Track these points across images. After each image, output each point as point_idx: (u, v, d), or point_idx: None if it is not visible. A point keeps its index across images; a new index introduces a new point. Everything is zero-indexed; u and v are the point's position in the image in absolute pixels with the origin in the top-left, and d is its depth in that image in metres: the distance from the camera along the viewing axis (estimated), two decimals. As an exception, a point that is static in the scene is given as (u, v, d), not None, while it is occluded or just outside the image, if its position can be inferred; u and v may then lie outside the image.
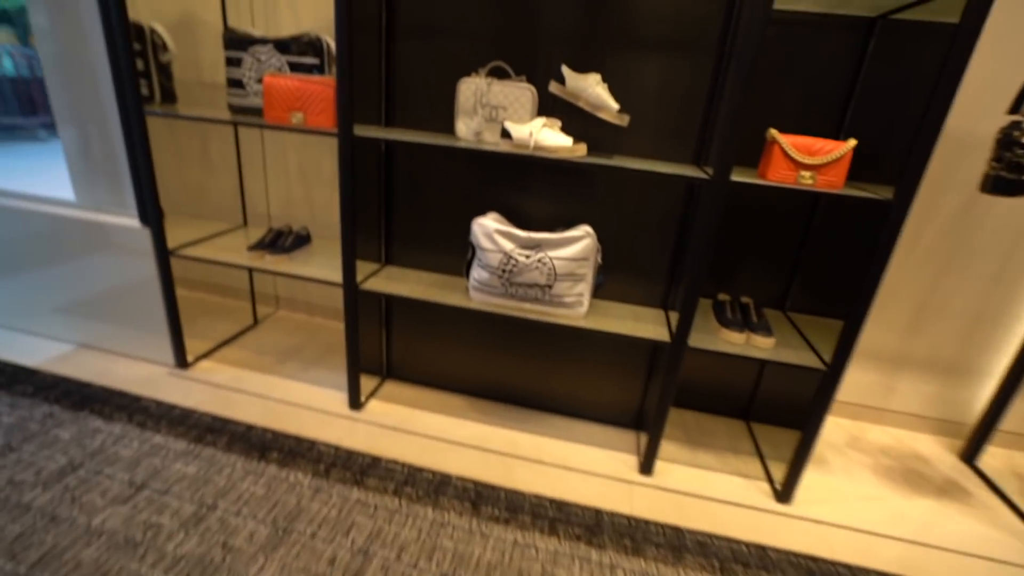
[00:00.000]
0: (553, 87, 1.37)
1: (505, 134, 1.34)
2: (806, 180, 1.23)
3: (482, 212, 1.60)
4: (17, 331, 2.08)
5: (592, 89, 1.32)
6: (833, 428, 1.91)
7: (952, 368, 1.81)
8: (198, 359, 2.01)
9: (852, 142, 1.20)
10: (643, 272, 1.61)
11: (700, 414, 1.91)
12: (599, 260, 1.48)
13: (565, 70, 1.35)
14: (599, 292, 1.64)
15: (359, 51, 1.56)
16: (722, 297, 1.59)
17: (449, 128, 1.53)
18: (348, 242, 1.54)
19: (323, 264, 1.75)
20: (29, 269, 1.96)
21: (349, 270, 1.58)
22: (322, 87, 1.45)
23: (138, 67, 1.73)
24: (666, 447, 1.71)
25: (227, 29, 1.65)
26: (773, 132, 1.23)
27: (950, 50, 1.05)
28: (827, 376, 1.33)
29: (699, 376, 1.85)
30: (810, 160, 1.21)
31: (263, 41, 1.59)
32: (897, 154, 1.45)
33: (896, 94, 1.41)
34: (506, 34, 1.46)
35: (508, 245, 1.43)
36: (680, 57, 1.39)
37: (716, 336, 1.45)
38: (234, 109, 1.71)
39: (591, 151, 1.43)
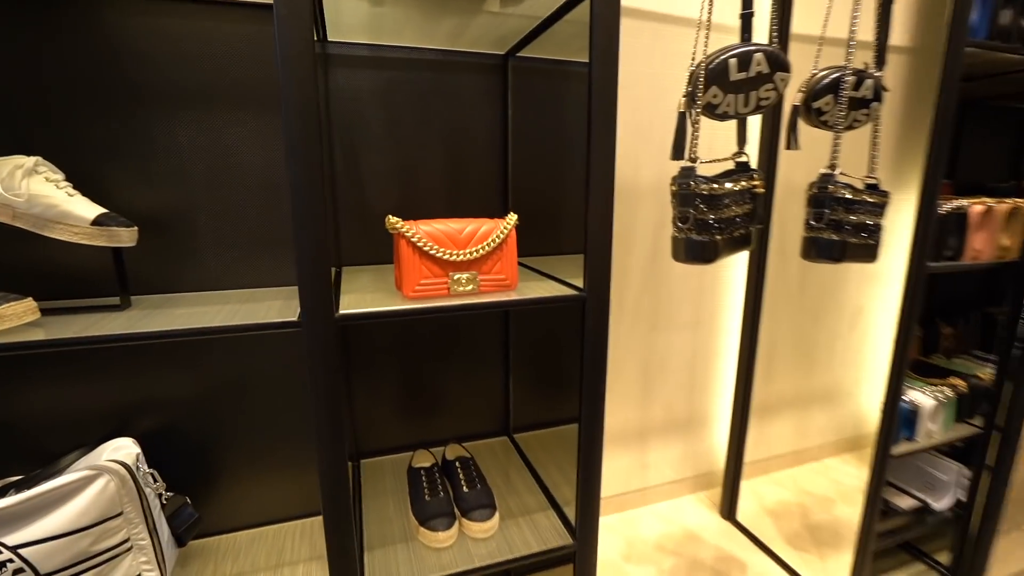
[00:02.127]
0: None
1: None
2: (464, 286, 0.78)
3: None
4: None
5: (14, 187, 0.63)
6: (605, 534, 1.56)
7: (688, 423, 1.66)
8: None
9: (512, 218, 0.80)
10: (284, 458, 0.97)
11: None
12: (164, 495, 0.77)
13: None
14: (196, 531, 0.91)
15: None
16: (419, 461, 1.05)
17: None
18: None
19: None
20: None
21: None
22: None
23: None
24: None
25: None
26: (392, 220, 0.75)
27: (590, 96, 0.73)
28: (578, 556, 0.89)
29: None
30: (460, 255, 0.76)
31: None
32: (570, 211, 1.17)
33: (547, 141, 1.12)
34: None
35: None
36: (238, 114, 0.83)
37: (416, 541, 0.89)
38: None
39: (95, 295, 0.74)
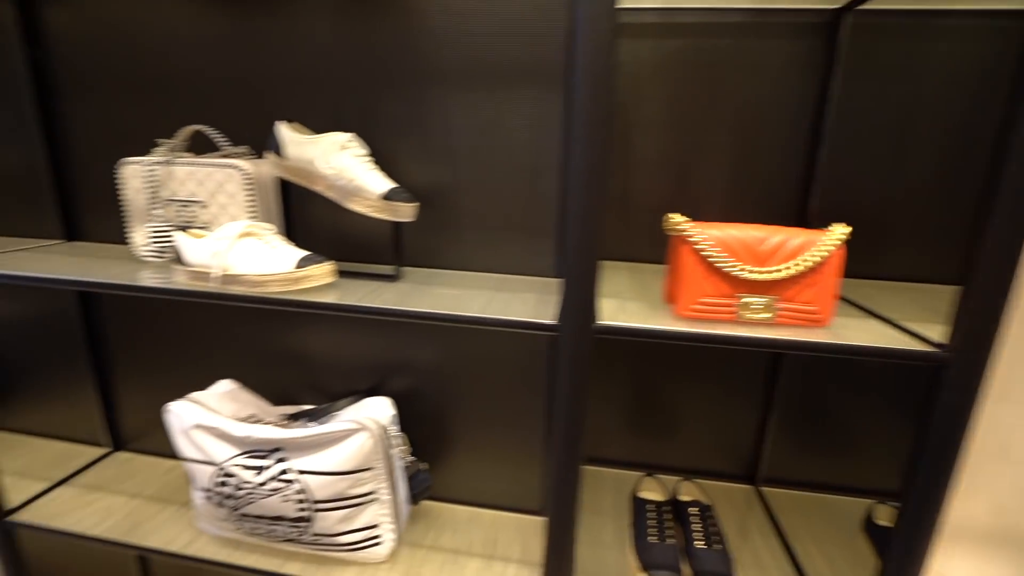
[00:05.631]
0: (268, 162, 0.75)
1: (178, 256, 0.70)
2: (756, 314, 0.60)
3: (233, 371, 0.94)
4: None
5: (329, 160, 0.69)
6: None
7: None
8: None
9: (840, 231, 0.58)
10: (509, 448, 0.95)
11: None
12: (407, 459, 0.81)
13: (282, 129, 0.73)
14: (426, 494, 0.96)
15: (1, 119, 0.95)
16: (646, 492, 0.92)
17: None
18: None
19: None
20: None
21: (-12, 492, 0.89)
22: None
23: None
24: None
25: None
26: (674, 219, 0.61)
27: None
28: None
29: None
30: (759, 274, 0.58)
31: None
32: (913, 222, 0.85)
33: (893, 126, 0.82)
34: (236, 74, 0.85)
35: (221, 451, 0.76)
36: (512, 93, 0.79)
37: (632, 587, 0.77)
38: None
39: (387, 261, 0.81)
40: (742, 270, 0.58)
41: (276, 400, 0.97)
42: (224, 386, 0.86)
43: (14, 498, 0.94)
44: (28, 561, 1.24)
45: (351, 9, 0.79)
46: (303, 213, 0.87)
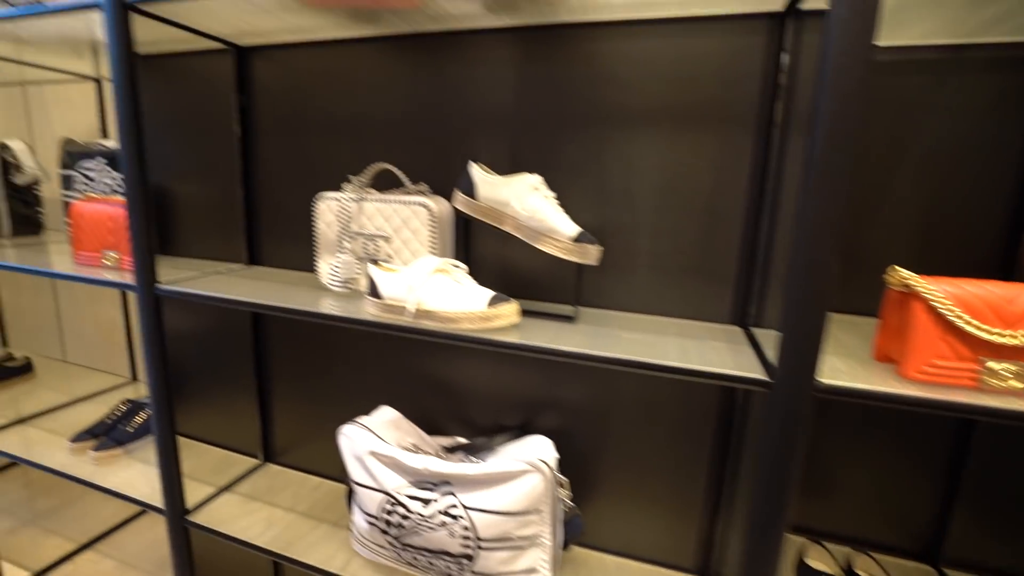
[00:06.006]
0: (458, 201, 0.78)
1: (372, 289, 0.74)
2: (1003, 381, 0.53)
3: (382, 397, 0.98)
4: None
5: (523, 201, 0.72)
6: None
7: None
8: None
9: (1107, 292, 0.51)
10: (663, 499, 0.91)
11: None
12: (566, 504, 0.80)
13: (475, 170, 0.77)
14: (577, 540, 0.93)
15: (206, 156, 1.07)
16: (815, 562, 0.84)
17: (326, 265, 0.96)
18: (166, 448, 0.95)
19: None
20: None
21: (172, 492, 0.97)
22: (138, 214, 0.94)
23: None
24: None
25: (66, 141, 1.22)
26: (903, 275, 0.56)
27: None
28: None
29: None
30: (1010, 338, 0.52)
31: (91, 154, 1.14)
32: None
33: None
34: (414, 117, 0.92)
35: (392, 480, 0.78)
36: (697, 135, 0.78)
37: (815, 672, 0.70)
38: (73, 243, 1.24)
39: (553, 299, 0.81)
40: (992, 333, 0.52)
41: (422, 428, 1.00)
42: (387, 414, 0.89)
43: (189, 500, 1.02)
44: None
45: (536, 55, 0.83)
46: (473, 249, 0.91)
